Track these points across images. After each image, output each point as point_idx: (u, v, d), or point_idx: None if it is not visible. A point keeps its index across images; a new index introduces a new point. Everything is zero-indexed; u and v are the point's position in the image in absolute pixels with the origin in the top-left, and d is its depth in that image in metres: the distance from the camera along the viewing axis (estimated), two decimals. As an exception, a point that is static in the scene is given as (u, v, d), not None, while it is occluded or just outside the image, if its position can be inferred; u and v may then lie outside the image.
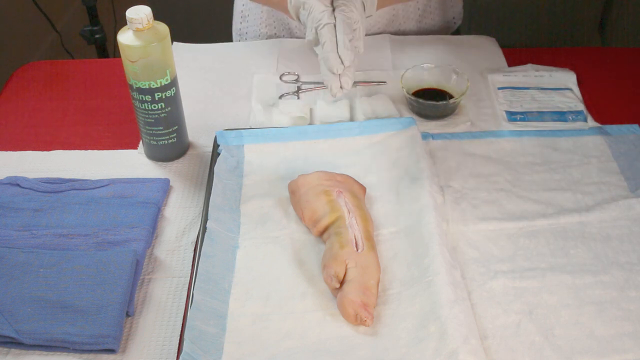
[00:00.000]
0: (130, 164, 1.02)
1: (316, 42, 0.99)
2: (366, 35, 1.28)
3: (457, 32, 1.39)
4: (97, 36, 2.03)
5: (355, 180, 0.92)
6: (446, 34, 1.35)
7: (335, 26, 0.96)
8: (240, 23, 1.34)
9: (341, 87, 0.97)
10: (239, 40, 1.35)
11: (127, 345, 0.78)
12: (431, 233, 0.84)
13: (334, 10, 0.98)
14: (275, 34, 1.31)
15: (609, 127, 1.05)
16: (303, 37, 1.28)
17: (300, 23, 1.03)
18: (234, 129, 1.02)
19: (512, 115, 1.08)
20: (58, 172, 1.00)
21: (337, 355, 0.75)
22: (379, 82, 1.15)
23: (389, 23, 1.28)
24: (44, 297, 0.80)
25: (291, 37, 1.29)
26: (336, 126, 1.03)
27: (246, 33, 1.33)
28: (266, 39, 1.31)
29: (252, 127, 1.07)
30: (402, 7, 1.26)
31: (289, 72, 1.17)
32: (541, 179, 0.97)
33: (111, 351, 0.77)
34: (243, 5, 1.32)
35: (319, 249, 0.86)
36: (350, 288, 0.78)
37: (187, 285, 0.84)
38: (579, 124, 1.06)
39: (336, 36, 0.95)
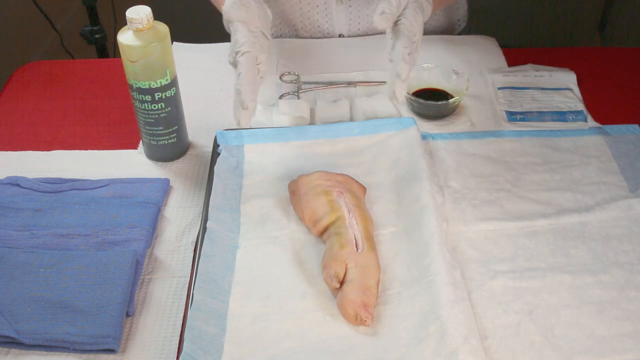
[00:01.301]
0: (130, 164, 1.02)
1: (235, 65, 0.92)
2: (369, 35, 1.28)
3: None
4: (97, 36, 2.03)
5: (355, 180, 0.92)
6: (451, 35, 1.35)
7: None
8: None
9: (395, 99, 0.92)
10: None
11: (127, 345, 0.78)
12: (431, 233, 0.84)
13: (396, 23, 0.93)
14: (281, 35, 1.31)
15: (609, 127, 1.05)
16: (309, 38, 1.29)
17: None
18: (234, 129, 1.02)
19: (512, 115, 1.08)
20: (58, 172, 1.00)
21: (337, 355, 0.75)
22: (379, 82, 1.15)
23: None
24: (44, 297, 0.80)
25: (297, 38, 1.29)
26: (336, 126, 1.03)
27: None
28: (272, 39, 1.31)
29: (252, 127, 1.07)
30: None
31: (289, 72, 1.17)
32: (541, 179, 0.97)
33: (111, 351, 0.77)
34: None
35: (319, 249, 0.86)
36: (350, 288, 0.78)
37: (187, 285, 0.84)
38: (579, 124, 1.06)
39: (398, 48, 0.91)
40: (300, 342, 0.76)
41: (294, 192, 0.90)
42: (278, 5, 1.27)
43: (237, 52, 0.90)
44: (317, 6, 1.24)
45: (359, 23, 1.26)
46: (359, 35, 1.28)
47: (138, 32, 0.90)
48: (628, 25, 2.31)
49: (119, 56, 0.95)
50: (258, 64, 0.90)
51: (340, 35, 1.28)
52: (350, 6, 1.23)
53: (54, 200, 0.93)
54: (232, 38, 0.93)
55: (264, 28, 0.94)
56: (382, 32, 1.27)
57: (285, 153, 1.00)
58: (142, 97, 0.94)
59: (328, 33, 1.28)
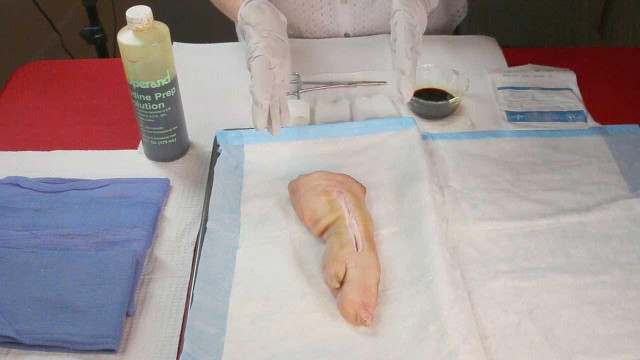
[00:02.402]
0: (130, 164, 1.02)
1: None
2: (368, 35, 1.28)
3: (457, 31, 1.38)
4: (97, 36, 2.03)
5: (355, 180, 0.92)
6: (450, 27, 1.35)
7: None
8: None
9: (402, 96, 0.91)
10: None
11: (127, 345, 0.78)
12: (431, 233, 0.84)
13: (395, 13, 0.93)
14: None
15: (609, 127, 1.05)
16: (312, 38, 1.28)
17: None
18: (234, 129, 1.02)
19: (512, 115, 1.08)
20: (58, 172, 1.00)
21: (337, 355, 0.75)
22: (379, 82, 1.15)
23: None
24: (44, 297, 0.80)
25: (301, 38, 1.29)
26: (336, 126, 1.03)
27: None
28: None
29: (252, 127, 1.06)
30: None
31: (288, 72, 1.17)
32: (541, 179, 0.97)
33: (111, 351, 0.77)
34: None
35: (319, 249, 0.86)
36: (350, 288, 0.78)
37: (187, 285, 0.84)
38: (579, 124, 1.06)
39: (399, 43, 0.91)
40: (300, 342, 0.76)
41: (294, 192, 0.90)
42: (281, 9, 1.27)
43: (249, 58, 0.92)
44: (321, 7, 1.24)
45: (364, 21, 1.26)
46: (364, 34, 1.28)
47: (138, 32, 0.90)
48: (628, 25, 2.31)
49: (119, 56, 0.95)
50: (272, 68, 0.91)
51: (345, 35, 1.28)
52: (355, 5, 1.23)
53: (54, 200, 0.93)
54: (246, 46, 0.94)
55: (278, 32, 0.94)
56: (387, 32, 1.27)
57: (285, 153, 1.00)
58: (142, 97, 0.94)
59: (333, 33, 1.28)
